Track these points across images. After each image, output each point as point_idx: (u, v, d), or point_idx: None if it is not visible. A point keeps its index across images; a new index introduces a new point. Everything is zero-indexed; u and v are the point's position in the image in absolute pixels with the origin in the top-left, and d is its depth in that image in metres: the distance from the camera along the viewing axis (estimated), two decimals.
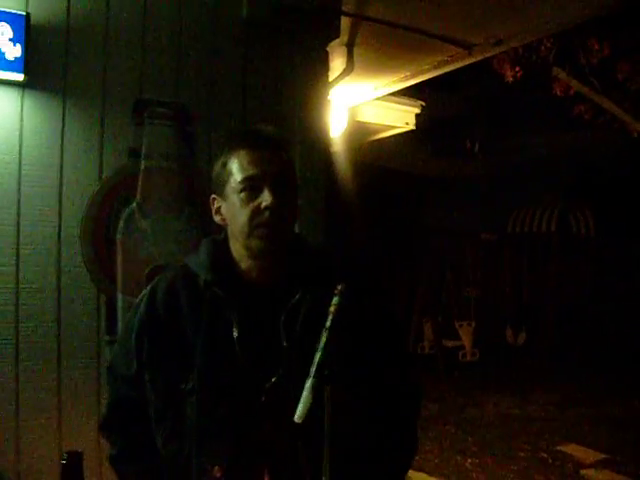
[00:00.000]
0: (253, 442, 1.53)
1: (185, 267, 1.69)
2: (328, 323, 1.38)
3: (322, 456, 1.34)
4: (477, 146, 6.76)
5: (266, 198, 1.53)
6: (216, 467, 1.52)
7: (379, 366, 1.64)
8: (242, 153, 1.57)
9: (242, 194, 1.55)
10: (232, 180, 1.57)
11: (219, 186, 1.62)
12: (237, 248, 1.63)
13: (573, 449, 6.62)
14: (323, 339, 1.36)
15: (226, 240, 1.68)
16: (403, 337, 1.89)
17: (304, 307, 1.55)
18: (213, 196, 1.66)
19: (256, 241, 1.56)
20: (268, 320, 1.56)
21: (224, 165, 1.60)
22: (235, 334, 1.54)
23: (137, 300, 1.74)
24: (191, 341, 1.58)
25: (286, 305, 1.56)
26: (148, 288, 1.73)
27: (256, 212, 1.54)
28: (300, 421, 1.28)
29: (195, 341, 1.57)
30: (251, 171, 1.55)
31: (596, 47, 7.61)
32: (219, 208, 1.65)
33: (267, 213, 1.53)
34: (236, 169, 1.57)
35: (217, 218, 1.67)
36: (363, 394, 1.57)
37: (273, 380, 1.52)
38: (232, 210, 1.59)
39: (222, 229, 1.70)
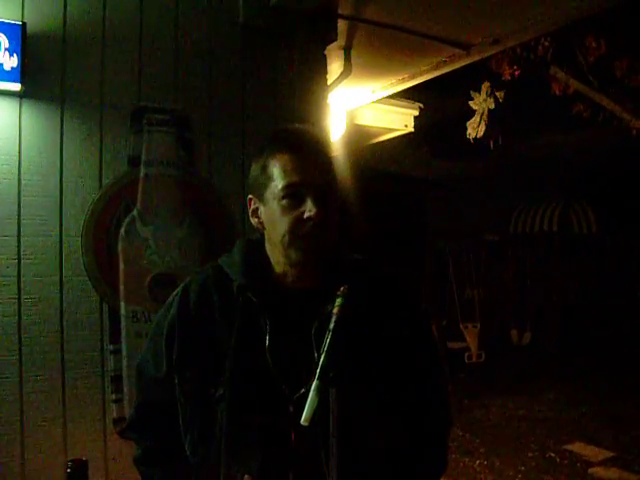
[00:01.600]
0: (280, 452, 1.49)
1: (218, 268, 1.64)
2: (331, 325, 1.36)
3: (349, 468, 1.33)
4: (500, 139, 6.75)
5: (310, 208, 1.46)
6: (246, 476, 1.48)
7: (404, 373, 1.57)
8: (285, 157, 1.50)
9: (284, 201, 1.49)
10: (273, 185, 1.51)
11: (257, 189, 1.56)
12: (274, 253, 1.58)
13: (581, 448, 6.60)
14: (327, 341, 1.35)
15: (261, 242, 1.64)
16: (434, 340, 1.79)
17: (336, 317, 1.47)
18: (250, 196, 1.60)
19: (296, 252, 1.51)
20: (301, 329, 1.50)
21: (264, 168, 1.53)
22: (267, 342, 1.49)
23: (168, 300, 1.70)
24: (223, 346, 1.54)
25: (319, 314, 1.50)
26: (180, 288, 1.68)
27: (298, 222, 1.48)
28: (306, 423, 1.27)
29: (227, 346, 1.53)
30: (294, 178, 1.48)
31: (593, 45, 7.60)
32: (256, 210, 1.59)
33: (310, 224, 1.47)
34: (278, 174, 1.50)
35: (254, 220, 1.61)
36: (386, 401, 1.51)
37: (302, 392, 1.46)
38: (272, 216, 1.53)
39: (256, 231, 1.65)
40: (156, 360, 1.67)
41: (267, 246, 1.61)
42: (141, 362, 1.75)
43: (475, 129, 6.48)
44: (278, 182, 1.50)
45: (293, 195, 1.48)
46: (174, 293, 1.69)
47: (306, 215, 1.47)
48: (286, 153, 1.50)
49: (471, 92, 6.52)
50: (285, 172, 1.49)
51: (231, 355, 1.52)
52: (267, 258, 1.61)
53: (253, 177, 1.58)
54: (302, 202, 1.48)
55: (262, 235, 1.63)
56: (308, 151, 1.52)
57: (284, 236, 1.50)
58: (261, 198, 1.55)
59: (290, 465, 1.48)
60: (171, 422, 1.62)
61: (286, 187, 1.48)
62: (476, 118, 6.54)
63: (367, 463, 1.47)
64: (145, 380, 1.72)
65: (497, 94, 6.39)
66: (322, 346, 1.34)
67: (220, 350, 1.54)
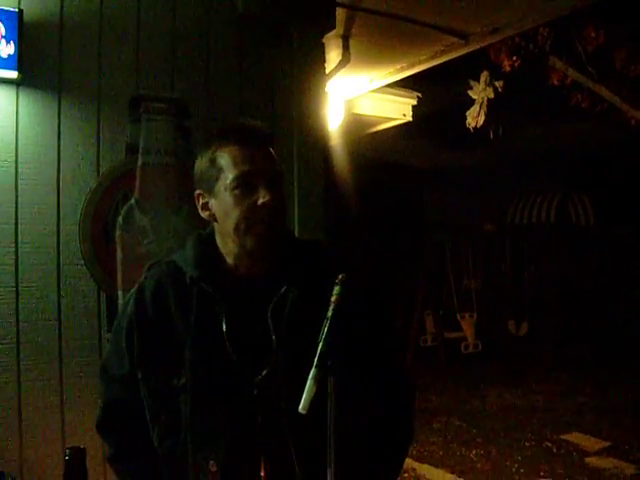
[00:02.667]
0: (247, 436, 1.53)
1: (172, 263, 1.68)
2: (329, 313, 1.37)
3: (314, 447, 1.36)
4: (500, 130, 6.75)
5: (263, 195, 1.51)
6: (211, 462, 1.52)
7: (373, 355, 1.64)
8: (234, 149, 1.54)
9: (236, 191, 1.53)
10: (223, 177, 1.55)
11: (206, 182, 1.60)
12: (226, 244, 1.62)
13: (577, 438, 6.63)
14: (325, 329, 1.35)
15: (212, 235, 1.67)
16: (393, 325, 1.87)
17: (290, 299, 1.54)
18: (198, 192, 1.64)
19: (252, 239, 1.55)
20: (256, 314, 1.55)
21: (212, 161, 1.57)
22: (224, 328, 1.54)
23: (125, 298, 1.75)
24: (181, 337, 1.58)
25: (273, 298, 1.55)
26: (135, 286, 1.72)
27: (251, 209, 1.52)
28: (305, 411, 1.27)
29: (185, 337, 1.57)
30: (246, 167, 1.53)
31: (592, 35, 7.58)
32: (206, 204, 1.62)
33: (264, 211, 1.52)
34: (228, 165, 1.54)
35: (205, 214, 1.64)
36: (359, 384, 1.57)
37: (263, 373, 1.52)
38: (224, 207, 1.56)
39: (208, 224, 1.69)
40: (118, 359, 1.70)
41: (218, 238, 1.65)
42: (104, 362, 1.80)
43: (475, 119, 6.48)
44: (229, 173, 1.54)
45: (245, 184, 1.53)
46: (131, 292, 1.73)
47: (260, 202, 1.51)
48: (235, 145, 1.55)
49: (470, 81, 6.51)
50: (235, 163, 1.54)
51: (190, 345, 1.56)
52: (218, 250, 1.65)
53: (200, 171, 1.62)
54: (254, 190, 1.53)
55: (212, 229, 1.67)
56: (255, 142, 1.57)
57: (238, 225, 1.54)
58: (211, 191, 1.59)
59: (260, 447, 1.52)
60: (138, 418, 1.65)
61: (237, 177, 1.53)
62: (475, 107, 6.54)
63: (347, 443, 1.48)
64: (109, 379, 1.76)
65: (496, 84, 6.39)
66: (320, 334, 1.35)
67: (179, 342, 1.57)
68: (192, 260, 1.63)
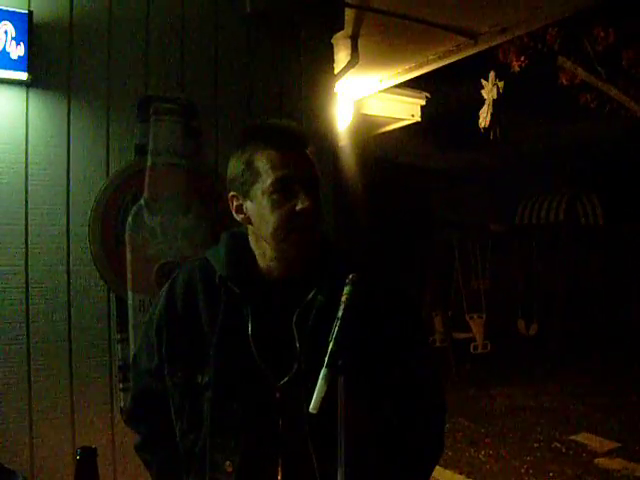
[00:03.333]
0: (266, 439, 1.53)
1: (204, 261, 1.67)
2: (340, 312, 1.37)
3: (333, 452, 1.33)
4: (498, 131, 6.71)
5: (302, 200, 1.49)
6: (228, 462, 1.53)
7: (397, 357, 1.61)
8: (272, 153, 1.51)
9: (274, 196, 1.50)
10: (261, 180, 1.52)
11: (242, 185, 1.56)
12: (260, 246, 1.60)
13: (587, 438, 6.61)
14: (335, 329, 1.35)
15: (245, 235, 1.65)
16: (423, 328, 1.85)
17: (317, 307, 1.53)
18: (233, 194, 1.61)
19: (290, 244, 1.53)
20: (283, 319, 1.54)
21: (249, 164, 1.54)
22: (250, 331, 1.53)
23: (159, 293, 1.75)
24: (208, 335, 1.58)
25: (300, 303, 1.54)
26: (168, 282, 1.73)
27: (290, 215, 1.50)
28: (315, 411, 1.27)
29: (211, 336, 1.57)
30: (284, 172, 1.50)
31: (601, 34, 7.56)
32: (240, 207, 1.59)
33: (303, 217, 1.49)
34: (266, 169, 1.51)
35: (239, 217, 1.61)
36: (379, 387, 1.56)
37: (286, 379, 1.51)
38: (261, 212, 1.53)
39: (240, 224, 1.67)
40: (148, 352, 1.72)
41: (252, 240, 1.63)
42: (135, 354, 1.82)
43: (484, 119, 6.47)
44: (267, 177, 1.51)
45: (283, 189, 1.50)
46: (163, 287, 1.74)
47: (299, 207, 1.49)
48: (272, 148, 1.52)
49: (482, 81, 6.50)
50: (274, 167, 1.50)
51: (215, 344, 1.56)
52: (250, 250, 1.63)
53: (234, 174, 1.59)
54: (292, 195, 1.50)
55: (246, 228, 1.65)
56: (294, 146, 1.54)
57: (277, 230, 1.52)
58: (246, 195, 1.56)
59: (279, 451, 1.51)
60: (166, 410, 1.67)
61: (276, 181, 1.50)
62: (485, 107, 6.52)
63: (365, 449, 1.50)
64: (139, 371, 1.78)
65: (498, 84, 6.38)
66: (331, 333, 1.34)
67: (206, 340, 1.58)
68: (223, 259, 1.62)
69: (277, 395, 1.52)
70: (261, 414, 1.53)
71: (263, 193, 1.52)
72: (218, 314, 1.58)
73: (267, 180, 1.51)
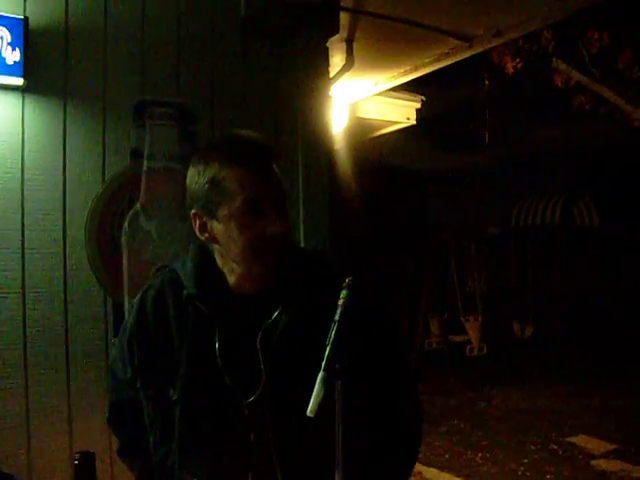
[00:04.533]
0: (236, 454, 1.51)
1: (173, 273, 1.64)
2: (337, 316, 1.36)
3: (299, 469, 1.36)
4: (487, 136, 6.75)
5: (274, 223, 1.46)
6: (195, 479, 1.52)
7: (379, 365, 1.59)
8: (240, 172, 1.45)
9: (243, 218, 1.46)
10: (228, 201, 1.46)
11: (207, 204, 1.50)
12: (228, 264, 1.56)
13: (583, 440, 6.61)
14: (332, 332, 1.35)
15: (212, 252, 1.61)
16: (399, 338, 1.84)
17: (282, 324, 1.49)
18: (195, 212, 1.54)
19: (260, 265, 1.51)
20: (250, 336, 1.51)
21: (214, 182, 1.47)
22: (217, 349, 1.50)
23: (131, 305, 1.74)
24: (177, 350, 1.56)
25: (265, 322, 1.51)
26: (139, 294, 1.70)
27: (261, 237, 1.46)
28: (313, 415, 1.27)
29: (180, 351, 1.55)
30: (253, 194, 1.45)
31: (596, 37, 7.58)
32: (204, 225, 1.53)
33: (275, 239, 1.46)
34: (234, 190, 1.45)
35: (203, 236, 1.55)
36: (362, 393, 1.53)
37: (252, 398, 1.49)
38: (229, 233, 1.49)
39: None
40: (122, 364, 1.71)
41: (218, 258, 1.58)
42: (111, 363, 1.83)
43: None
44: (235, 198, 1.46)
45: (253, 211, 1.46)
46: (135, 298, 1.72)
47: (269, 230, 1.46)
48: (240, 167, 1.46)
49: (486, 82, 6.55)
50: (242, 188, 1.45)
51: (184, 360, 1.54)
52: (218, 267, 1.59)
53: (197, 192, 1.51)
54: (262, 217, 1.46)
55: (211, 246, 1.59)
56: (262, 163, 1.49)
57: (245, 252, 1.49)
58: (212, 215, 1.50)
59: (249, 467, 1.50)
60: (142, 419, 1.66)
61: (245, 202, 1.45)
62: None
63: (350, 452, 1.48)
64: (115, 380, 1.79)
65: (485, 86, 6.44)
66: (327, 338, 1.34)
67: (175, 355, 1.56)
68: (191, 275, 1.58)
69: (245, 411, 1.50)
70: (230, 430, 1.52)
71: (231, 214, 1.47)
72: (186, 330, 1.55)
73: (236, 201, 1.45)
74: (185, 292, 1.56)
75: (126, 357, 1.68)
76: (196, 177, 1.51)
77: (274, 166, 1.51)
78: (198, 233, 1.56)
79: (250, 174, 1.46)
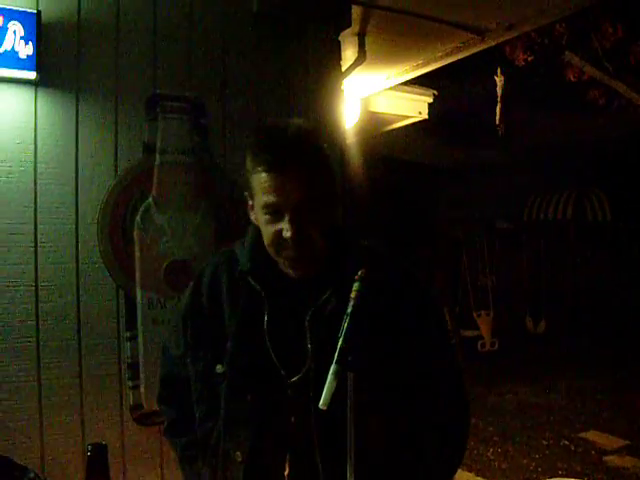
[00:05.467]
0: (277, 433, 1.53)
1: (232, 252, 1.68)
2: (349, 309, 1.37)
3: (338, 452, 1.34)
4: (503, 128, 6.69)
5: (286, 228, 1.45)
6: (237, 452, 1.55)
7: (414, 356, 1.56)
8: (262, 175, 1.45)
9: (266, 216, 1.49)
10: (256, 196, 1.51)
11: (249, 189, 1.54)
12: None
13: (595, 436, 6.58)
14: (344, 325, 1.35)
15: None
16: (444, 322, 1.82)
17: (330, 307, 1.50)
18: (246, 193, 1.58)
19: (283, 260, 1.53)
20: (298, 316, 1.53)
21: (250, 173, 1.50)
22: (265, 327, 1.54)
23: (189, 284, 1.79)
24: (228, 327, 1.60)
25: (316, 303, 1.52)
26: (198, 272, 1.76)
27: (278, 237, 1.48)
28: (325, 407, 1.27)
29: (231, 327, 1.60)
30: (271, 198, 1.45)
31: (610, 30, 7.51)
32: (251, 207, 1.58)
33: (289, 242, 1.46)
34: (258, 190, 1.48)
35: (252, 217, 1.61)
36: (392, 386, 1.52)
37: (296, 378, 1.51)
38: (259, 220, 1.54)
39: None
40: (176, 340, 1.77)
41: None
42: (165, 341, 1.89)
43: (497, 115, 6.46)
44: (259, 197, 1.49)
45: (272, 213, 1.47)
46: (194, 277, 1.77)
47: (284, 235, 1.46)
48: (263, 171, 1.45)
49: (495, 77, 6.49)
50: (263, 190, 1.46)
51: (232, 335, 1.59)
52: None
53: (245, 175, 1.55)
54: (281, 219, 1.47)
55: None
56: (288, 168, 1.45)
57: (269, 246, 1.52)
58: (252, 199, 1.55)
59: (286, 447, 1.52)
60: (189, 397, 1.71)
61: (265, 206, 1.47)
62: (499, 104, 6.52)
63: (376, 449, 1.50)
64: (167, 357, 1.84)
65: (497, 80, 6.37)
66: (340, 330, 1.34)
67: (225, 331, 1.60)
68: (246, 252, 1.63)
69: (289, 392, 1.52)
70: (272, 409, 1.54)
71: (257, 207, 1.52)
72: (238, 307, 1.60)
73: (260, 200, 1.49)
74: (239, 268, 1.61)
75: (180, 334, 1.74)
76: (246, 162, 1.54)
77: (299, 167, 1.46)
78: (249, 212, 1.61)
79: (269, 178, 1.45)
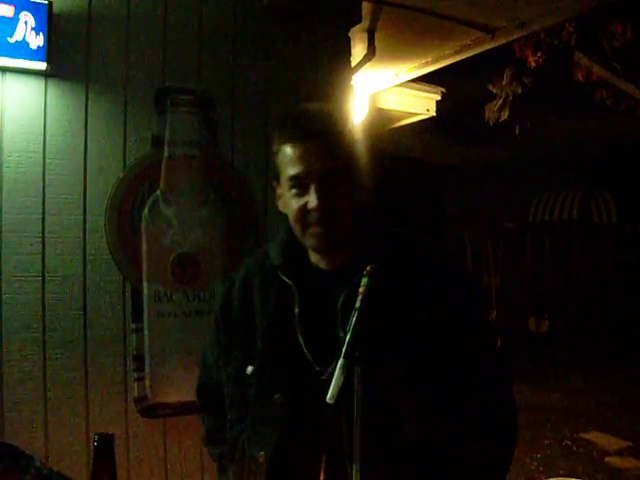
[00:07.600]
0: (307, 435, 1.49)
1: (264, 251, 1.68)
2: (357, 304, 1.36)
3: (378, 452, 1.33)
4: (518, 128, 6.68)
5: (312, 199, 1.46)
6: (261, 452, 1.51)
7: (453, 354, 1.48)
8: (287, 147, 1.49)
9: (292, 190, 1.49)
10: (283, 174, 1.52)
11: (276, 174, 1.57)
12: (297, 236, 1.58)
13: (597, 437, 6.59)
14: (352, 319, 1.34)
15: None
16: (488, 321, 1.71)
17: (362, 293, 1.41)
18: (274, 182, 1.61)
19: (309, 238, 1.52)
20: (330, 306, 1.50)
21: (276, 155, 1.54)
22: (297, 320, 1.52)
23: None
24: (260, 326, 1.59)
25: (345, 291, 1.48)
26: (230, 276, 1.77)
27: (304, 212, 1.48)
28: (332, 401, 1.26)
29: (262, 324, 1.59)
30: (296, 169, 1.47)
31: (619, 30, 7.49)
32: (281, 195, 1.58)
33: (315, 214, 1.47)
34: (284, 164, 1.50)
35: (280, 206, 1.61)
36: (417, 381, 1.44)
37: (330, 370, 1.42)
38: (286, 203, 1.54)
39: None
40: (211, 345, 1.78)
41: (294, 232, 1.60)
42: (204, 348, 1.87)
43: (496, 113, 6.43)
44: (285, 172, 1.51)
45: (298, 185, 1.48)
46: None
47: (309, 206, 1.47)
48: (289, 143, 1.49)
49: (494, 78, 6.48)
50: (289, 163, 1.49)
51: (262, 333, 1.57)
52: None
53: (272, 162, 1.58)
54: (307, 191, 1.48)
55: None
56: (311, 138, 1.48)
57: (296, 223, 1.52)
58: (280, 183, 1.57)
59: (321, 446, 1.47)
60: (224, 404, 1.69)
61: (291, 178, 1.49)
62: (497, 102, 6.48)
63: (392, 447, 1.44)
64: (205, 364, 1.84)
65: (525, 80, 6.33)
66: (348, 324, 1.34)
67: (257, 330, 1.59)
68: (278, 248, 1.63)
69: (322, 389, 1.36)
70: (302, 409, 1.50)
71: (286, 186, 1.52)
72: (269, 304, 1.59)
73: (286, 175, 1.50)
74: (269, 264, 1.61)
75: (214, 338, 1.74)
76: (271, 151, 1.58)
77: (328, 139, 1.49)
78: (277, 202, 1.62)
79: (294, 149, 1.48)
